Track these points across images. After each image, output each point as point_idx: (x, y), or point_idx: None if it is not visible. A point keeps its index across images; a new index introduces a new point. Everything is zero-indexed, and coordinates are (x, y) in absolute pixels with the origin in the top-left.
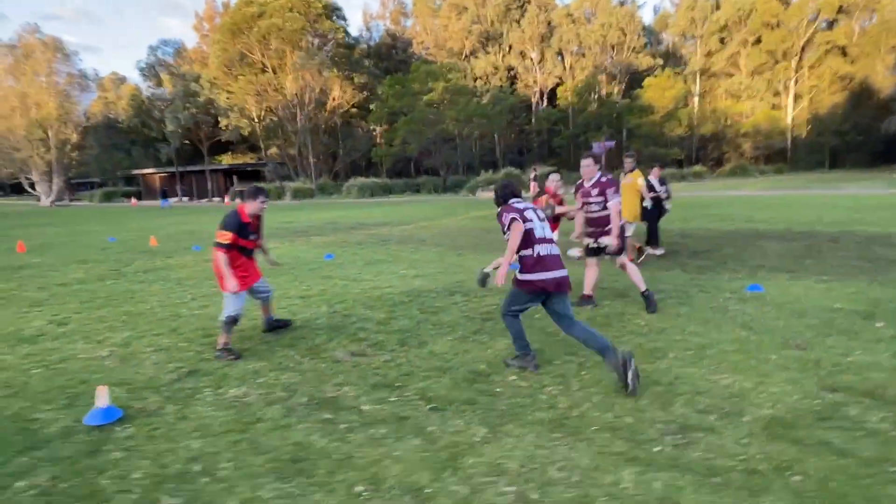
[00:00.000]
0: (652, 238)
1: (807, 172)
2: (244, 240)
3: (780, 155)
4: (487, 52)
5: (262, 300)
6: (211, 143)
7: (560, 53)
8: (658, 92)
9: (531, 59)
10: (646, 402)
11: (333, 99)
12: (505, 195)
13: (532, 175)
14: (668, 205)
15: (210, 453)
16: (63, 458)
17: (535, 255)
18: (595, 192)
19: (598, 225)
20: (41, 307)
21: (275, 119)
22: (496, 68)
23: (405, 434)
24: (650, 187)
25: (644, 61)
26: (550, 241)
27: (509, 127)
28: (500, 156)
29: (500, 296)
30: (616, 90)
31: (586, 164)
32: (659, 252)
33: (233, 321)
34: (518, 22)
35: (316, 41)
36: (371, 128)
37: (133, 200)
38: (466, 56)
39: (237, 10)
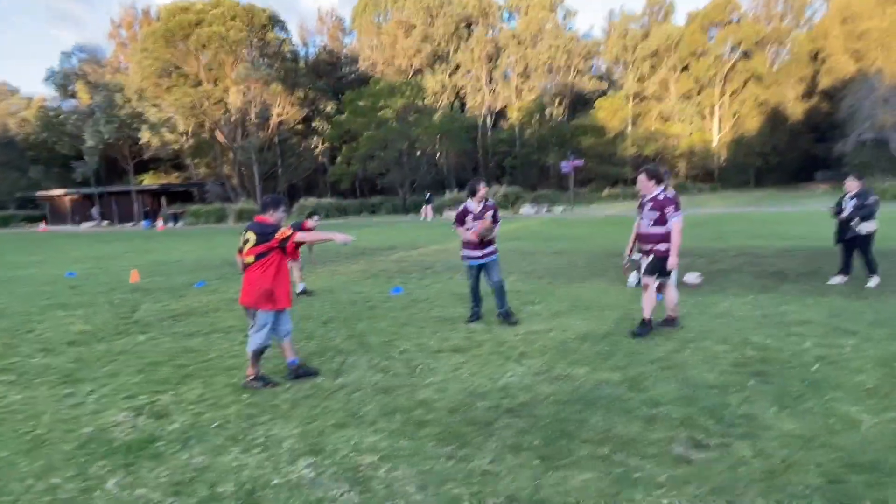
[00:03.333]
0: (869, 267)
1: (734, 190)
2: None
3: (710, 175)
4: (435, 72)
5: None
6: (137, 161)
7: (507, 74)
8: (610, 113)
9: (479, 80)
10: None
11: (278, 115)
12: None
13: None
14: (867, 226)
15: None
16: None
17: None
18: (649, 206)
19: (647, 241)
20: (82, 385)
21: (205, 136)
22: (445, 87)
23: None
24: (838, 204)
25: (589, 84)
26: None
27: (461, 146)
28: (454, 176)
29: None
30: (562, 111)
31: (640, 180)
32: (872, 283)
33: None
34: (466, 41)
35: (256, 53)
36: (314, 146)
37: (42, 225)
38: (414, 74)
39: (171, 17)
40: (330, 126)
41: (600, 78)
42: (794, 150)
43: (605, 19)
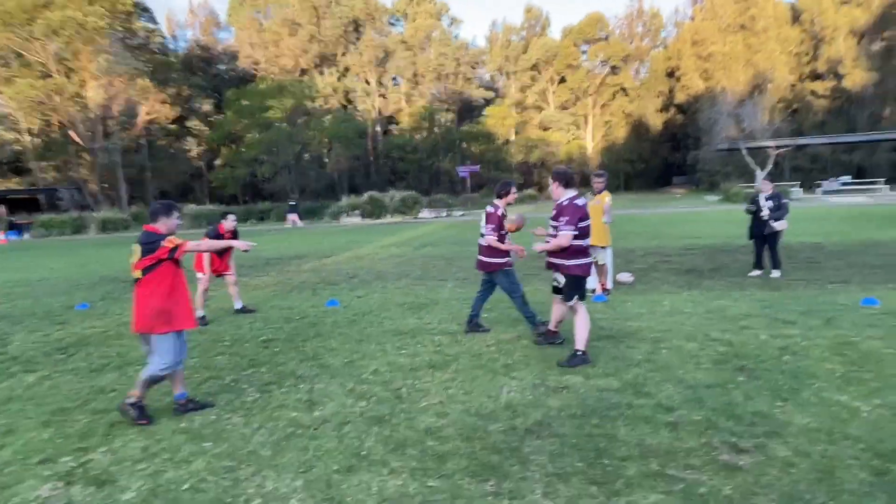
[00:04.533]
0: (774, 261)
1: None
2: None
3: (586, 180)
4: (322, 73)
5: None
6: None
7: (396, 80)
8: (498, 121)
9: (369, 83)
10: None
11: (146, 113)
12: None
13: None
14: (780, 224)
15: None
16: None
17: None
18: (553, 213)
19: (551, 255)
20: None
21: (55, 135)
22: (335, 90)
23: None
24: (753, 202)
25: (477, 92)
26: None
27: (353, 150)
28: (346, 181)
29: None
30: (451, 117)
31: (550, 183)
32: (776, 274)
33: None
34: (355, 44)
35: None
36: (189, 148)
37: None
38: (301, 74)
39: None
40: (208, 127)
41: (486, 87)
42: (656, 158)
43: (489, 29)
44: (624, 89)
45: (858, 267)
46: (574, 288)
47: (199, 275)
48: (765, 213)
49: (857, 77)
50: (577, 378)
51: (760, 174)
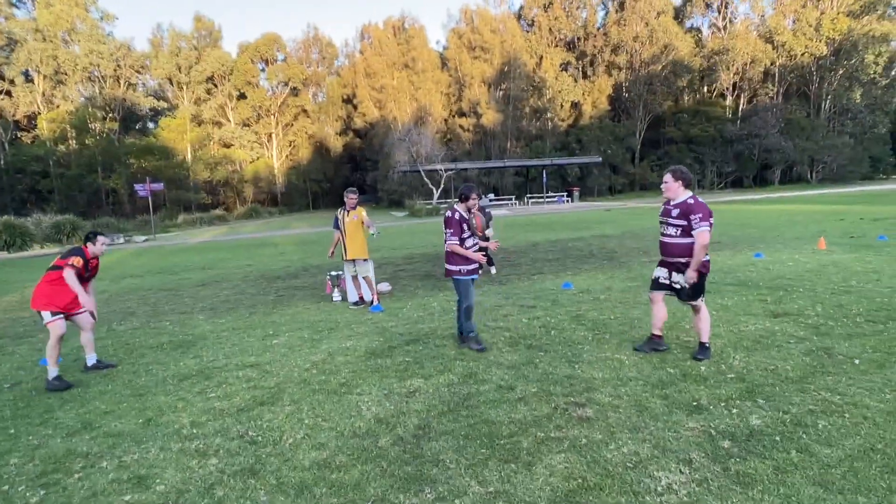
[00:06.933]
0: (489, 260)
1: (297, 213)
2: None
3: (274, 199)
4: None
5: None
6: None
7: (28, 75)
8: (177, 134)
9: None
10: None
11: None
12: None
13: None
14: (489, 232)
15: None
16: None
17: None
18: (675, 212)
19: (671, 254)
20: None
21: None
22: None
23: None
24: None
25: (145, 101)
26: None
27: None
28: None
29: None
30: (110, 127)
31: (666, 181)
32: (493, 271)
33: None
34: None
35: None
36: None
37: None
38: None
39: None
40: None
41: (155, 96)
42: (339, 178)
43: (152, 32)
44: (305, 111)
45: (540, 261)
46: (702, 286)
47: None
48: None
49: (490, 116)
50: (417, 381)
51: (437, 192)
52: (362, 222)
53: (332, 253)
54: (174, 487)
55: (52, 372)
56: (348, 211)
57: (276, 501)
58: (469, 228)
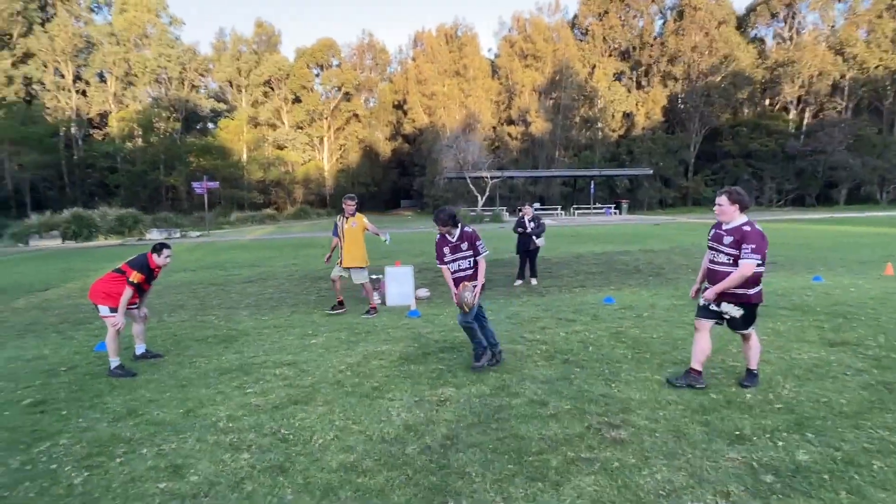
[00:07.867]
0: (532, 271)
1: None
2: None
3: (323, 201)
4: None
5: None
6: None
7: (102, 76)
8: (234, 135)
9: (64, 77)
10: None
11: None
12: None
13: None
14: (541, 241)
15: None
16: None
17: None
18: (728, 240)
19: (720, 280)
20: None
21: None
22: (10, 78)
23: None
24: (520, 224)
25: (206, 102)
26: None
27: (39, 156)
28: (28, 193)
29: None
30: (175, 127)
31: (721, 203)
32: (534, 282)
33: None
34: (43, 26)
35: None
36: None
37: None
38: None
39: None
40: None
41: (216, 98)
42: (387, 182)
43: (215, 36)
44: (357, 115)
45: (583, 274)
46: (753, 315)
47: None
48: (530, 231)
49: (539, 125)
50: (449, 390)
51: (482, 200)
52: (364, 230)
53: (329, 258)
54: (206, 479)
55: (114, 362)
56: (347, 218)
57: (301, 501)
58: (452, 251)
